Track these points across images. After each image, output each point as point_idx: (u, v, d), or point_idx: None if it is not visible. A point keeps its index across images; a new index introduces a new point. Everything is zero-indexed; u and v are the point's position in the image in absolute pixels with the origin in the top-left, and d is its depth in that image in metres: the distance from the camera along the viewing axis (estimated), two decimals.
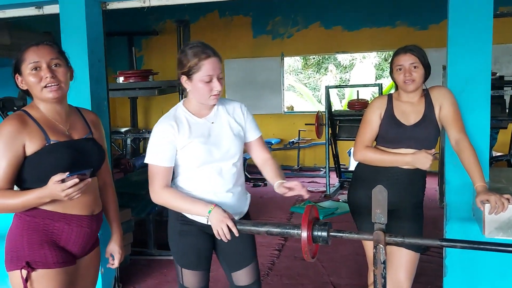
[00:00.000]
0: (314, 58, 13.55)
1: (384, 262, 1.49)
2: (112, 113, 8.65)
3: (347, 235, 1.57)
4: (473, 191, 2.20)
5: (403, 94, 2.20)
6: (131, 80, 4.04)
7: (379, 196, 1.53)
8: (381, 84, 6.07)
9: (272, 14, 7.85)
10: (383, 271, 1.49)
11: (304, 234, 1.55)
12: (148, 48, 8.49)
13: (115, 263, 1.92)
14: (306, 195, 1.75)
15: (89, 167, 1.60)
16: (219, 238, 1.72)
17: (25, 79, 1.64)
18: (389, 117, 2.18)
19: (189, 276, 1.94)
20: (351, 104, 6.16)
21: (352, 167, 6.84)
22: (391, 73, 2.22)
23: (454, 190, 2.30)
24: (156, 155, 1.81)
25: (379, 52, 12.28)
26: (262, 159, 1.99)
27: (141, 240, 3.92)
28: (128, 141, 6.66)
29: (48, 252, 1.61)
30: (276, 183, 1.82)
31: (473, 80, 2.24)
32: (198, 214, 1.80)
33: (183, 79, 1.81)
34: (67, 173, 1.50)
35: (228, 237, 1.70)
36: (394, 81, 2.21)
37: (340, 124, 6.27)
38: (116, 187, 3.61)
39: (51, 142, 1.61)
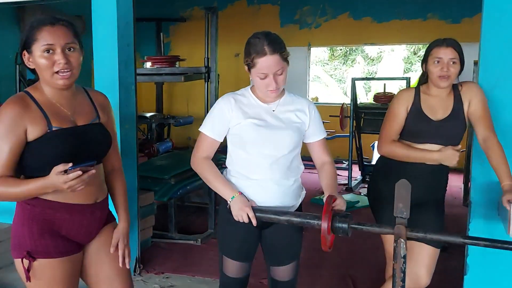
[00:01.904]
0: (341, 50, 13.39)
1: (404, 257, 1.48)
2: (137, 98, 8.85)
3: (367, 227, 1.57)
4: (499, 189, 2.16)
5: (432, 88, 2.14)
6: (157, 66, 4.07)
7: (403, 190, 1.52)
8: (409, 78, 5.96)
9: (301, 3, 7.78)
10: (402, 265, 1.49)
11: (325, 224, 1.55)
12: (176, 35, 8.54)
13: (120, 255, 1.74)
14: (338, 208, 1.69)
15: (93, 156, 1.56)
16: (237, 221, 1.74)
17: (35, 60, 1.53)
18: (416, 111, 2.13)
19: (230, 265, 1.96)
20: (377, 97, 6.08)
21: (375, 161, 6.77)
22: (424, 62, 2.14)
23: (480, 188, 2.26)
24: (207, 124, 1.87)
25: (408, 45, 12.05)
26: (321, 162, 1.95)
27: (163, 223, 4.00)
28: (153, 126, 6.73)
29: (50, 241, 1.57)
30: (326, 196, 1.76)
31: (505, 76, 2.18)
32: (223, 196, 1.82)
33: (245, 68, 1.82)
34: (70, 164, 1.43)
35: (246, 221, 1.72)
36: (425, 72, 2.14)
37: (365, 117, 6.20)
38: (140, 171, 3.72)
39: (53, 129, 1.53)
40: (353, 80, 5.97)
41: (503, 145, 2.02)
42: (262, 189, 1.84)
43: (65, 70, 1.53)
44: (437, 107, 2.13)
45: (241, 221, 1.72)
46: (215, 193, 3.85)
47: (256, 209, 1.72)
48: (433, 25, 7.11)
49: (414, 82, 8.22)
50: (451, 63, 2.04)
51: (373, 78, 8.97)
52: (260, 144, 1.82)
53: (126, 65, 2.98)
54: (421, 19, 7.22)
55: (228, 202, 1.78)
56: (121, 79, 2.93)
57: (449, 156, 2.05)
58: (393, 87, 9.56)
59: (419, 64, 12.33)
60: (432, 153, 2.09)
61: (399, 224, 1.51)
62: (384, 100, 5.95)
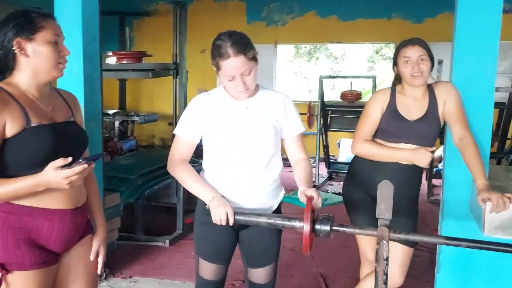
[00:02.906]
0: (305, 47, 13.47)
1: (387, 259, 1.46)
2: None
3: (350, 230, 1.54)
4: (471, 188, 2.19)
5: (407, 88, 2.15)
6: (124, 61, 3.93)
7: (385, 191, 1.50)
8: (375, 76, 6.05)
9: (268, 0, 7.74)
10: (385, 268, 1.46)
11: (307, 227, 1.51)
12: (139, 30, 8.32)
13: (99, 262, 1.68)
14: (317, 206, 1.65)
15: (74, 153, 1.47)
16: (215, 222, 1.67)
17: (38, 48, 1.46)
18: (391, 111, 2.13)
19: (206, 267, 1.90)
20: (344, 95, 6.13)
21: (341, 158, 6.85)
22: (394, 65, 2.17)
23: (452, 187, 2.29)
24: (180, 126, 1.82)
25: (371, 44, 12.26)
26: (296, 158, 1.90)
27: (129, 225, 3.86)
28: (116, 123, 6.54)
29: (26, 252, 1.45)
30: (300, 190, 1.73)
31: (479, 75, 2.21)
32: (202, 198, 1.75)
33: (215, 69, 1.77)
34: (70, 158, 1.37)
35: (223, 223, 1.65)
36: (398, 74, 2.16)
37: (331, 115, 6.25)
38: (105, 171, 3.58)
39: (32, 125, 1.44)
40: (321, 78, 6.00)
41: (476, 144, 2.04)
42: (239, 190, 1.79)
43: (64, 62, 1.54)
44: (412, 107, 2.14)
45: (218, 221, 1.65)
46: (184, 192, 3.81)
47: (235, 211, 1.66)
48: (397, 24, 7.24)
49: (380, 80, 8.42)
50: (420, 60, 2.05)
51: (340, 76, 9.05)
52: (236, 143, 1.77)
53: (92, 60, 2.84)
54: (386, 18, 7.34)
55: (207, 203, 1.71)
56: (86, 75, 2.79)
57: (420, 156, 2.05)
58: (358, 85, 9.70)
59: (382, 63, 12.59)
60: (404, 151, 2.10)
61: (381, 226, 1.48)
62: (351, 98, 6.01)
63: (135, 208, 3.81)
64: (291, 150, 1.91)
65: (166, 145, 7.94)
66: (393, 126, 2.13)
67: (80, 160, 1.39)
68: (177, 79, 3.84)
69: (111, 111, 6.71)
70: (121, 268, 3.31)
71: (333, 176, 6.41)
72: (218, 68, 1.73)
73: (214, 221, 1.67)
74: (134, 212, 3.84)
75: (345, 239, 3.50)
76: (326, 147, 6.36)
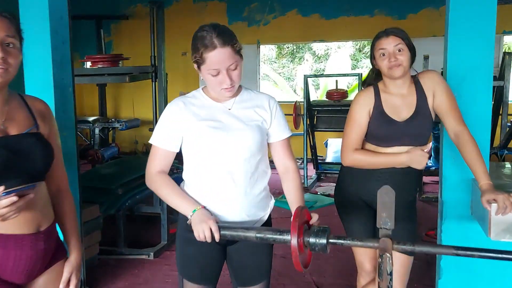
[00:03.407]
0: (288, 48, 13.37)
1: (391, 273, 1.31)
2: (79, 101, 8.21)
3: (349, 242, 1.38)
4: (472, 187, 2.07)
5: (390, 84, 1.97)
6: (99, 66, 3.73)
7: (385, 198, 1.35)
8: (361, 73, 5.94)
9: (248, 0, 7.60)
10: (389, 283, 1.32)
11: (294, 240, 1.35)
12: (118, 34, 8.12)
13: None
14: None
15: (28, 172, 1.29)
16: (199, 240, 1.50)
17: None
18: (378, 113, 1.96)
19: None
20: (329, 94, 6.01)
21: (329, 159, 6.72)
22: (372, 60, 1.99)
23: (451, 187, 2.16)
24: (157, 134, 1.65)
25: (354, 42, 12.21)
26: (284, 166, 1.73)
27: (111, 237, 3.66)
28: (96, 130, 6.32)
29: None
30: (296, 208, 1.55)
31: (475, 69, 2.08)
32: (183, 212, 1.58)
33: (195, 66, 1.61)
34: (1, 188, 1.17)
35: (209, 240, 1.48)
36: (377, 69, 1.98)
37: (318, 114, 6.13)
38: (83, 181, 3.37)
39: None
40: (305, 77, 5.87)
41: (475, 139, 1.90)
42: (224, 201, 1.62)
43: (1, 66, 1.29)
44: (400, 106, 1.97)
45: (201, 238, 1.48)
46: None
47: (220, 226, 1.49)
48: (380, 21, 7.15)
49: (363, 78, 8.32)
50: (397, 50, 1.87)
51: (325, 75, 8.96)
52: (218, 148, 1.60)
53: (62, 65, 2.65)
54: (369, 15, 7.26)
55: (189, 217, 1.54)
56: (56, 81, 2.60)
57: (417, 158, 1.90)
58: (343, 83, 9.62)
59: (366, 61, 12.52)
60: (398, 156, 1.94)
61: (383, 236, 1.33)
62: (337, 96, 5.89)
63: (117, 219, 3.62)
64: (278, 156, 1.74)
65: (149, 151, 7.71)
66: (382, 130, 1.96)
67: (5, 192, 1.18)
68: (156, 83, 3.66)
69: (91, 118, 6.49)
70: (103, 285, 3.12)
71: (322, 177, 6.28)
72: (201, 62, 1.55)
73: (197, 239, 1.50)
74: (115, 223, 3.64)
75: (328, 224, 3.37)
76: (313, 147, 6.24)
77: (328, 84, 9.31)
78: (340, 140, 6.76)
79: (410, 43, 1.91)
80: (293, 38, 7.95)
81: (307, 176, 5.86)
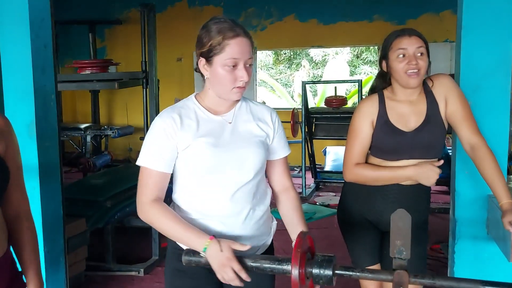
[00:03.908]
0: (285, 54, 13.24)
1: None
2: (72, 108, 8.17)
3: (358, 274, 1.20)
4: (488, 204, 1.89)
5: (399, 91, 1.77)
6: (87, 71, 3.56)
7: (401, 223, 1.17)
8: (361, 80, 5.79)
9: (245, 4, 7.45)
10: None
11: (296, 271, 1.17)
12: (111, 39, 7.94)
13: None
14: None
15: None
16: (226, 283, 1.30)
17: None
18: (383, 124, 1.77)
19: None
20: (328, 101, 5.84)
21: (328, 167, 6.55)
22: (383, 59, 1.77)
23: (466, 204, 1.98)
24: (149, 155, 1.39)
25: (352, 48, 12.09)
26: (281, 186, 1.54)
27: (98, 252, 3.46)
28: (88, 138, 6.14)
29: None
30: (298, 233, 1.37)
31: (491, 75, 1.91)
32: (192, 247, 1.34)
33: (201, 62, 1.40)
34: None
35: (237, 283, 1.27)
36: (385, 72, 1.78)
37: (316, 122, 5.96)
38: (69, 193, 3.18)
39: None
40: (304, 84, 5.71)
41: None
42: (224, 227, 1.42)
43: None
44: (408, 114, 1.77)
45: (227, 279, 1.27)
46: None
47: (241, 262, 1.28)
48: (379, 26, 7.02)
49: (365, 83, 8.20)
50: (418, 54, 1.68)
51: (324, 81, 8.79)
52: (218, 169, 1.39)
53: (44, 70, 2.46)
54: (367, 20, 7.12)
55: (201, 254, 1.31)
56: (37, 87, 2.40)
57: (425, 173, 1.70)
58: (341, 90, 9.48)
59: (364, 67, 12.41)
60: (404, 170, 1.74)
61: (398, 268, 1.15)
62: (336, 103, 5.72)
63: (105, 234, 3.42)
64: (276, 175, 1.55)
65: None
66: (388, 143, 1.77)
67: None
68: (148, 89, 3.48)
69: (82, 125, 6.31)
70: None
71: (320, 186, 6.10)
72: (217, 52, 1.34)
73: (222, 281, 1.29)
74: (103, 237, 3.44)
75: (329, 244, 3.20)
76: (312, 156, 6.06)
77: (326, 90, 9.16)
78: (339, 148, 6.65)
79: (428, 48, 1.73)
80: (291, 43, 7.80)
81: (305, 185, 5.67)
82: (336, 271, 1.19)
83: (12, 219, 1.32)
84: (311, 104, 8.76)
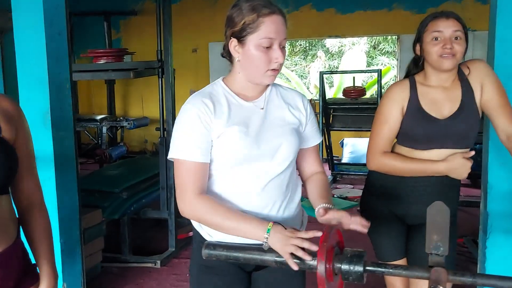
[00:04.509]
0: (301, 45, 13.09)
1: None
2: (87, 100, 8.17)
3: (391, 270, 1.12)
4: None
5: (433, 75, 1.68)
6: (102, 61, 3.50)
7: (438, 217, 1.09)
8: (381, 70, 5.64)
9: None
10: None
11: (321, 268, 1.09)
12: (127, 30, 7.90)
13: None
14: (359, 228, 1.22)
15: None
16: (295, 268, 1.17)
17: None
18: (414, 110, 1.67)
19: None
20: (346, 91, 5.72)
21: (345, 159, 6.44)
22: (417, 43, 1.69)
23: (499, 197, 1.88)
24: (184, 146, 1.28)
25: (368, 39, 11.89)
26: (311, 172, 1.46)
27: (114, 243, 3.43)
28: (104, 129, 6.15)
29: None
30: (317, 208, 1.31)
31: None
32: (251, 237, 1.24)
33: (232, 43, 1.31)
34: None
35: (308, 258, 1.15)
36: (419, 56, 1.70)
37: (334, 113, 5.85)
38: (85, 184, 3.15)
39: None
40: (321, 74, 5.60)
41: None
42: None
43: None
44: (442, 100, 1.68)
45: (294, 251, 1.15)
46: (175, 205, 3.36)
47: (231, 246, 1.23)
48: (399, 15, 6.86)
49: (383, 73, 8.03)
50: (454, 38, 1.59)
51: (342, 71, 8.63)
52: (250, 159, 1.31)
53: (58, 58, 2.41)
54: (386, 9, 6.95)
55: (264, 242, 1.20)
56: (51, 76, 2.36)
57: (457, 166, 1.61)
58: (357, 81, 9.32)
59: (381, 58, 12.19)
60: (435, 164, 1.65)
61: (436, 265, 1.07)
62: (355, 94, 5.60)
63: (121, 225, 3.38)
64: (306, 163, 1.47)
65: (159, 150, 7.52)
66: (419, 130, 1.67)
67: None
68: (163, 79, 3.42)
69: (98, 117, 6.31)
70: None
71: (338, 179, 6.00)
72: (251, 31, 1.25)
73: (291, 266, 1.16)
74: (119, 228, 3.41)
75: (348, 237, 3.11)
76: (329, 147, 5.96)
77: (342, 81, 9.02)
78: (357, 139, 6.54)
79: (467, 32, 1.63)
80: (307, 34, 7.67)
81: None
82: (367, 268, 1.11)
83: (25, 208, 1.27)
84: (327, 95, 8.64)
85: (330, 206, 1.32)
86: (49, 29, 2.35)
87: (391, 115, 1.70)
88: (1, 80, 4.88)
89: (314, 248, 1.13)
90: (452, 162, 1.62)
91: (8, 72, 5.01)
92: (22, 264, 1.23)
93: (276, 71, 1.30)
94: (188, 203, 1.28)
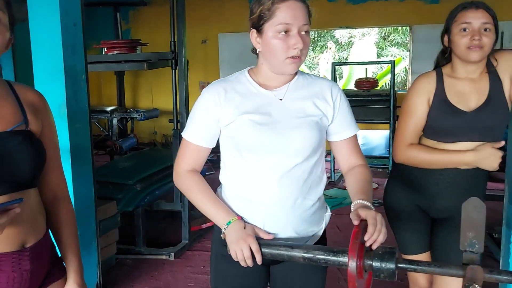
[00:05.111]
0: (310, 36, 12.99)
1: None
2: (97, 91, 8.15)
3: (424, 268, 1.09)
4: None
5: (460, 67, 1.65)
6: (116, 52, 3.48)
7: (473, 213, 1.05)
8: (394, 61, 5.56)
9: None
10: None
11: (353, 265, 1.07)
12: (136, 21, 7.87)
13: None
14: (374, 245, 1.14)
15: (10, 178, 1.06)
16: (236, 261, 1.23)
17: None
18: (440, 102, 1.64)
19: None
20: (358, 83, 5.66)
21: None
22: (445, 33, 1.66)
23: None
24: (189, 126, 1.38)
25: (379, 30, 11.76)
26: (349, 166, 1.41)
27: (128, 235, 3.43)
28: (114, 121, 6.13)
29: None
30: (353, 203, 1.27)
31: None
32: (215, 222, 1.33)
33: (253, 35, 1.31)
34: None
35: (249, 262, 1.21)
36: (447, 48, 1.67)
37: None
38: (99, 176, 3.14)
39: None
40: (333, 65, 5.55)
41: None
42: (269, 214, 1.32)
43: None
44: (469, 92, 1.65)
45: (239, 258, 1.21)
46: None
47: (262, 243, 1.22)
48: (411, 5, 6.74)
49: (385, 70, 7.92)
50: (483, 30, 1.56)
51: (354, 63, 8.55)
52: (263, 150, 1.29)
53: (74, 49, 2.39)
54: None
55: (223, 230, 1.27)
56: (67, 67, 2.34)
57: (486, 157, 1.58)
58: (368, 72, 9.22)
59: (391, 49, 12.07)
60: (464, 154, 1.62)
61: (470, 262, 1.04)
62: (367, 86, 5.54)
63: (135, 217, 3.38)
64: (341, 156, 1.42)
65: (169, 142, 7.52)
66: (445, 123, 1.65)
67: None
68: (176, 70, 3.39)
69: (108, 108, 6.30)
70: None
71: None
72: (267, 18, 1.24)
73: (234, 259, 1.23)
74: (133, 220, 3.40)
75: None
76: None
77: (352, 73, 8.94)
78: (368, 132, 6.48)
79: (497, 24, 1.59)
80: (317, 24, 7.49)
81: (334, 170, 5.55)
82: (399, 265, 1.09)
83: (50, 201, 1.26)
84: None
85: (367, 203, 1.26)
86: (65, 19, 2.32)
87: (417, 108, 1.68)
88: (12, 71, 4.88)
89: (259, 257, 1.20)
90: (481, 152, 1.60)
91: (18, 63, 5.01)
92: (51, 257, 1.23)
93: (297, 58, 1.27)
94: (178, 174, 1.39)
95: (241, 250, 1.20)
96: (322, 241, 1.42)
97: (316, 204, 1.38)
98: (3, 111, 1.12)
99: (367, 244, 1.14)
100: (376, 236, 1.14)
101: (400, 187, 1.82)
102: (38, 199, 1.20)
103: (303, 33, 1.25)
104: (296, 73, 1.37)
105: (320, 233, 1.41)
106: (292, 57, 1.26)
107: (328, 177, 5.51)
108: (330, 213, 1.46)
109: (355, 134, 1.41)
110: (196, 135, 1.36)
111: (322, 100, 1.36)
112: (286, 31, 1.24)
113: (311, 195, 1.35)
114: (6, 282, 1.09)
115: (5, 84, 1.18)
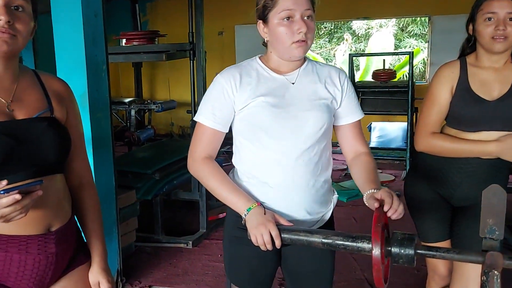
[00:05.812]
0: (326, 28, 12.88)
1: None
2: (115, 82, 8.24)
3: (443, 254, 1.10)
4: None
5: (484, 57, 1.65)
6: (134, 43, 3.52)
7: (493, 200, 1.06)
8: (412, 52, 5.50)
9: None
10: None
11: (377, 251, 1.09)
12: (153, 13, 7.92)
13: None
14: (395, 215, 1.20)
15: (36, 163, 1.10)
16: (256, 245, 1.26)
17: None
18: (463, 90, 1.65)
19: None
20: (376, 74, 5.61)
21: (372, 143, 6.36)
22: (470, 22, 1.66)
23: None
24: (204, 110, 1.39)
25: (397, 21, 11.61)
26: (354, 152, 1.46)
27: (147, 223, 3.49)
28: (132, 112, 6.20)
29: None
30: (367, 193, 1.30)
31: None
32: (235, 209, 1.34)
33: (260, 26, 1.37)
34: (4, 183, 0.96)
35: (269, 247, 1.24)
36: (472, 36, 1.67)
37: (363, 96, 5.75)
38: (118, 165, 3.19)
39: None
40: (351, 56, 5.53)
41: None
42: (281, 195, 1.37)
43: (5, 31, 1.06)
44: (492, 82, 1.65)
45: (261, 244, 1.24)
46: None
47: (282, 228, 1.24)
48: None
49: (403, 60, 7.84)
50: (509, 19, 1.55)
51: (372, 54, 8.47)
52: (277, 132, 1.34)
53: (94, 40, 2.44)
54: None
55: (243, 216, 1.30)
56: (88, 57, 2.39)
57: (510, 147, 1.59)
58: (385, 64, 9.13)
59: (409, 40, 11.90)
60: (486, 145, 1.63)
61: (490, 249, 1.05)
62: (384, 77, 5.50)
63: (154, 206, 3.44)
64: (347, 142, 1.47)
65: (186, 133, 7.58)
66: (468, 111, 1.65)
67: (6, 190, 0.96)
68: (195, 61, 3.42)
69: (127, 100, 6.38)
70: (139, 276, 2.95)
71: None
72: (271, 7, 1.30)
73: (255, 244, 1.26)
74: (152, 209, 3.46)
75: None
76: None
77: (369, 64, 8.86)
78: (385, 123, 6.43)
79: None
80: (334, 15, 7.51)
81: None
82: (418, 251, 1.10)
83: (75, 187, 1.30)
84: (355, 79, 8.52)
85: (375, 189, 1.30)
86: (86, 10, 2.37)
87: (440, 96, 1.69)
88: (32, 62, 4.97)
89: (278, 242, 1.21)
90: (504, 143, 1.60)
91: (39, 55, 5.10)
92: (76, 242, 1.27)
93: (303, 42, 1.30)
94: (193, 161, 1.39)
95: (261, 235, 1.22)
96: (329, 224, 1.46)
97: (325, 186, 1.43)
98: (29, 99, 1.16)
99: (388, 215, 1.19)
100: (396, 205, 1.19)
101: (421, 176, 1.83)
102: (64, 184, 1.24)
103: (306, 18, 1.29)
104: (305, 60, 1.41)
105: (328, 215, 1.46)
106: (298, 41, 1.29)
107: (344, 169, 5.51)
108: (337, 196, 1.50)
109: (359, 121, 1.46)
110: (213, 119, 1.37)
111: (331, 84, 1.40)
112: (289, 18, 1.28)
113: (322, 177, 1.40)
114: (32, 264, 1.13)
115: (31, 73, 1.23)
